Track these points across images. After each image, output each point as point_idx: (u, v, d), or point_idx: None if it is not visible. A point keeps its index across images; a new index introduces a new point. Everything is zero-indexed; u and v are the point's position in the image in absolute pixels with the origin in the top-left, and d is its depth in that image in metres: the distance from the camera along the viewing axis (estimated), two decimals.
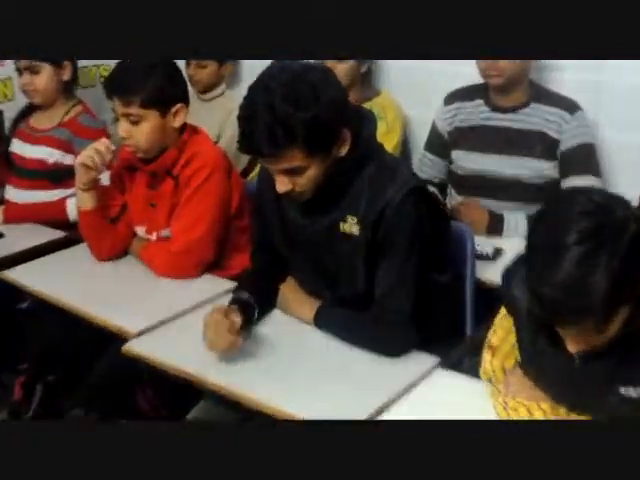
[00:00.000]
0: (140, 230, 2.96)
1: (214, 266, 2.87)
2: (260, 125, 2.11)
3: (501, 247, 2.89)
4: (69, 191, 3.34)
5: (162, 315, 2.56)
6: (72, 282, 2.81)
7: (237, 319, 2.34)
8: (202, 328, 2.30)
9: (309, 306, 2.47)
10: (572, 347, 1.78)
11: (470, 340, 2.50)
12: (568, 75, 3.27)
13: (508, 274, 2.05)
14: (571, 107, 3.12)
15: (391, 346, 2.32)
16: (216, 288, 2.72)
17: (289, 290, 2.55)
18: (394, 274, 2.31)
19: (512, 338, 2.08)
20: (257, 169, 3.52)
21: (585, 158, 3.08)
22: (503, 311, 2.11)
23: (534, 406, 1.98)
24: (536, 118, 3.13)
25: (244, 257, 2.83)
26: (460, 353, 2.43)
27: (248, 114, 2.15)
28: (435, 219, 2.36)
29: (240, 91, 3.88)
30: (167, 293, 2.73)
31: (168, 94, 2.75)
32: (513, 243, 2.80)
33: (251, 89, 2.19)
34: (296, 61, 2.25)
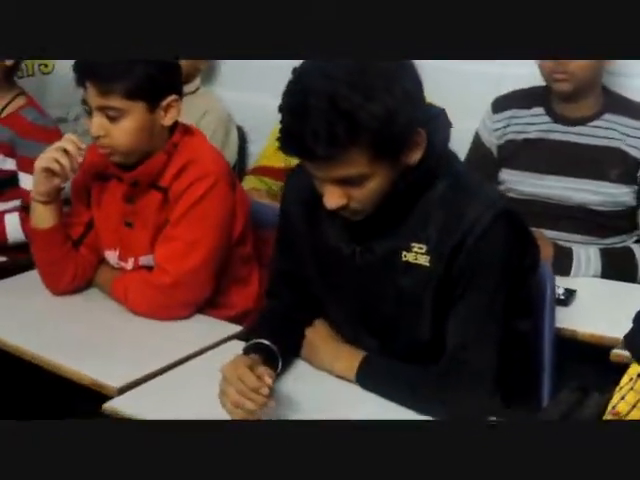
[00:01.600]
0: (111, 255, 2.56)
1: (208, 304, 2.48)
2: (315, 119, 1.79)
3: (574, 288, 2.55)
4: (9, 204, 3.11)
5: (147, 367, 2.17)
6: (18, 321, 2.43)
7: (267, 374, 1.94)
8: (216, 386, 1.95)
9: (348, 357, 2.14)
10: None
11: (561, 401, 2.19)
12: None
13: None
14: None
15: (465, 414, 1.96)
16: (214, 333, 2.36)
17: (319, 337, 2.20)
18: (476, 319, 1.99)
19: None
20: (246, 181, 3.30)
21: None
22: (632, 372, 1.80)
23: None
24: (612, 132, 2.79)
25: (246, 293, 2.62)
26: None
27: (298, 105, 1.82)
28: (527, 250, 2.05)
29: (218, 89, 3.63)
30: (149, 339, 2.35)
31: (160, 83, 2.35)
32: (585, 283, 2.55)
33: (301, 75, 1.87)
34: None
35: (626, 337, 1.82)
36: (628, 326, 2.28)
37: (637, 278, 2.69)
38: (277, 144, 1.91)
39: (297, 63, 1.94)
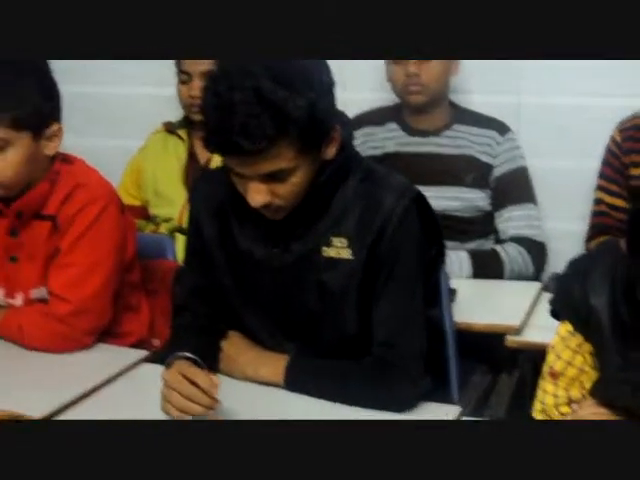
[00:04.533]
0: None
1: (104, 334, 2.39)
2: (243, 113, 1.80)
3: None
4: None
5: (57, 399, 2.05)
6: None
7: (211, 374, 1.91)
8: (137, 410, 1.95)
9: (273, 362, 2.10)
10: None
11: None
12: (479, 98, 3.18)
13: (567, 287, 1.87)
14: (501, 128, 2.99)
15: (403, 401, 2.00)
16: (118, 360, 2.27)
17: (237, 348, 2.15)
18: (401, 307, 2.03)
19: (578, 361, 1.88)
20: None
21: (522, 184, 2.97)
22: (563, 331, 1.90)
23: None
24: (463, 140, 2.96)
25: (139, 321, 2.53)
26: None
27: (223, 102, 1.82)
28: (436, 237, 2.13)
29: None
30: (51, 372, 2.22)
31: (45, 112, 2.28)
32: (460, 284, 2.62)
33: (222, 75, 1.87)
34: None
35: (551, 301, 1.91)
36: (511, 317, 2.46)
37: (504, 276, 2.85)
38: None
39: None
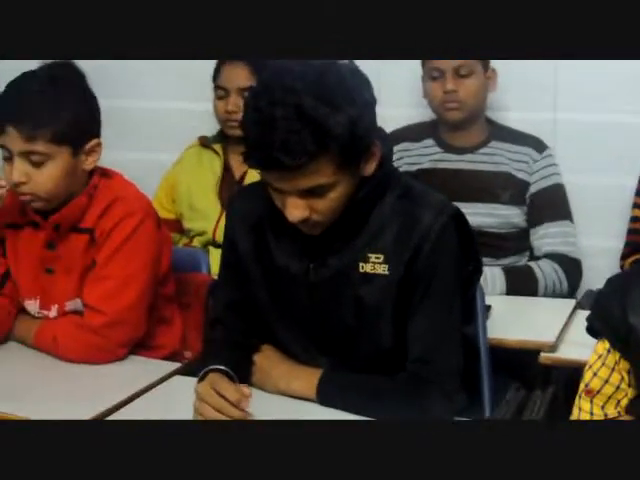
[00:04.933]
0: (31, 305, 2.44)
1: (137, 347, 2.40)
2: (284, 129, 1.81)
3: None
4: None
5: (90, 411, 2.05)
6: None
7: (242, 387, 1.93)
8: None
9: (305, 375, 2.09)
10: None
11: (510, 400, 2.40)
12: (515, 115, 3.17)
13: (606, 304, 1.83)
14: (538, 145, 2.98)
15: (438, 417, 1.98)
16: (151, 372, 2.27)
17: (270, 361, 2.15)
18: (437, 322, 2.02)
19: (615, 379, 1.86)
20: None
21: (558, 201, 2.96)
22: (600, 349, 1.88)
23: None
24: (499, 157, 2.96)
25: (172, 334, 2.54)
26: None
27: (264, 117, 1.83)
28: (473, 253, 2.13)
29: None
30: (85, 383, 2.23)
31: (84, 127, 2.31)
32: (494, 300, 2.61)
33: (263, 90, 1.87)
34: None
35: (588, 319, 1.90)
36: (545, 334, 2.45)
37: (538, 292, 2.84)
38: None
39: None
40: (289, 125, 1.80)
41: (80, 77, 2.36)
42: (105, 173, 2.43)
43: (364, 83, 1.94)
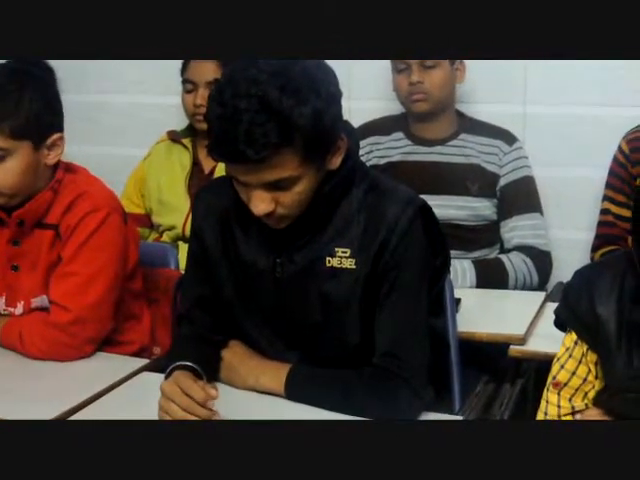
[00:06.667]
0: None
1: (105, 343, 2.37)
2: (248, 121, 1.79)
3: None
4: None
5: (58, 408, 2.03)
6: None
7: (209, 385, 1.90)
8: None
9: (274, 370, 2.08)
10: None
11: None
12: (485, 107, 3.16)
13: (573, 296, 1.86)
14: (508, 137, 2.98)
15: (405, 411, 1.97)
16: (119, 368, 2.24)
17: (238, 356, 2.13)
18: (403, 316, 2.01)
19: (582, 371, 1.88)
20: None
21: (528, 194, 2.96)
22: (568, 342, 1.90)
23: None
24: (469, 150, 2.96)
25: (141, 330, 2.52)
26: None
27: (229, 110, 1.81)
28: (441, 247, 2.11)
29: None
30: (52, 380, 2.20)
31: (45, 121, 2.28)
32: (464, 293, 2.61)
33: (229, 83, 1.85)
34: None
35: (556, 310, 1.90)
36: (515, 326, 2.45)
37: (508, 285, 2.84)
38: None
39: None
40: (253, 117, 1.78)
41: (45, 71, 2.33)
42: (69, 168, 2.41)
43: (330, 76, 1.92)
